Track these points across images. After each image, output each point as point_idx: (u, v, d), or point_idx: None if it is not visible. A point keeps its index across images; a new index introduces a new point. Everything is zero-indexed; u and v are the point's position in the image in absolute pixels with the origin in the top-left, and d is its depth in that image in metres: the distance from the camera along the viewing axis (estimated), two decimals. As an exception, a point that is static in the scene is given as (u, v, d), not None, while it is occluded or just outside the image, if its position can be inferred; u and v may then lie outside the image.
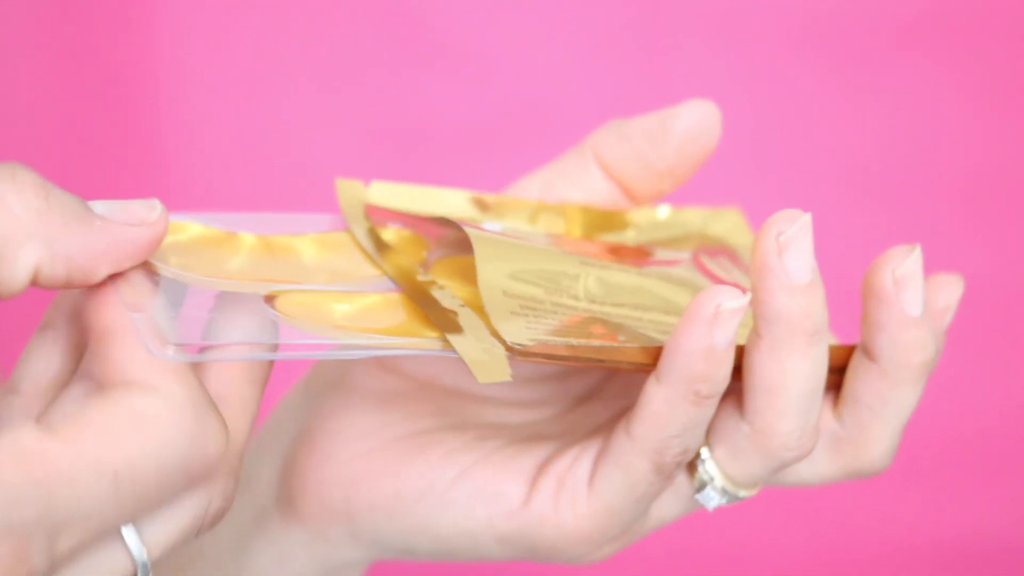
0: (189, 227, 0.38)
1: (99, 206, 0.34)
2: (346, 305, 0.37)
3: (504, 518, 0.40)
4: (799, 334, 0.36)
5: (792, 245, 0.36)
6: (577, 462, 0.39)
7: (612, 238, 0.44)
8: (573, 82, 0.84)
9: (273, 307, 0.36)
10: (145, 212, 0.34)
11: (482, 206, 0.43)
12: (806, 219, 0.36)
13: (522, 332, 0.36)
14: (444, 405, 0.43)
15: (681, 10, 0.83)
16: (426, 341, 0.36)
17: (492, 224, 0.43)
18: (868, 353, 0.39)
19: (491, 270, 0.38)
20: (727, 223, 0.46)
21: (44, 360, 0.36)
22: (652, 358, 0.37)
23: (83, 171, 0.84)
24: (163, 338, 0.33)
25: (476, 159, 0.84)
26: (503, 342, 0.36)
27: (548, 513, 0.39)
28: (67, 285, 0.34)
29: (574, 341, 0.37)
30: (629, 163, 0.42)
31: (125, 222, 0.34)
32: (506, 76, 0.84)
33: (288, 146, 0.85)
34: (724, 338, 0.35)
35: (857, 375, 0.39)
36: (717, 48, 0.83)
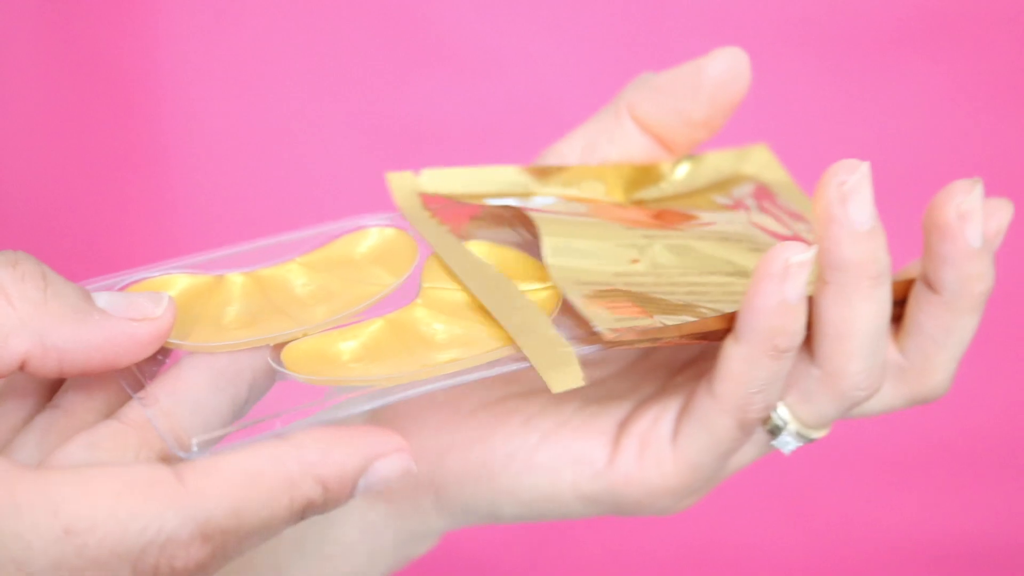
0: (175, 280, 0.38)
1: (103, 298, 0.34)
2: (351, 342, 0.37)
3: (589, 479, 0.41)
4: (865, 279, 0.37)
5: (854, 194, 0.37)
6: (659, 421, 0.40)
7: (650, 192, 0.44)
8: (574, 82, 0.84)
9: (280, 361, 0.35)
10: (150, 307, 0.34)
11: (536, 175, 0.43)
12: (865, 168, 0.37)
13: (606, 317, 0.37)
14: (514, 372, 0.43)
15: (681, 10, 0.82)
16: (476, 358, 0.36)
17: (543, 199, 0.43)
18: (932, 286, 0.40)
19: (559, 256, 0.39)
20: (758, 160, 0.46)
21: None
22: (729, 323, 0.38)
23: (85, 172, 0.84)
24: (184, 434, 0.33)
25: (477, 159, 0.84)
26: (588, 330, 0.37)
27: (633, 472, 0.40)
28: (60, 375, 0.33)
29: (665, 320, 0.37)
30: (664, 116, 0.43)
31: (127, 317, 0.33)
32: (508, 77, 0.84)
33: (288, 145, 0.85)
34: (796, 291, 0.36)
35: (920, 307, 0.40)
36: (717, 47, 0.83)
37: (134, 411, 0.34)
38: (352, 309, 0.38)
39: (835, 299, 0.38)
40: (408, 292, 0.39)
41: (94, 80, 0.83)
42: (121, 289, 0.37)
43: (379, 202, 0.83)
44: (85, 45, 0.82)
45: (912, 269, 0.42)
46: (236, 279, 0.38)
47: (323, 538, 0.45)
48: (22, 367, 0.32)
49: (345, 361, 0.36)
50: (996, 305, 0.82)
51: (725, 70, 0.42)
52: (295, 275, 0.39)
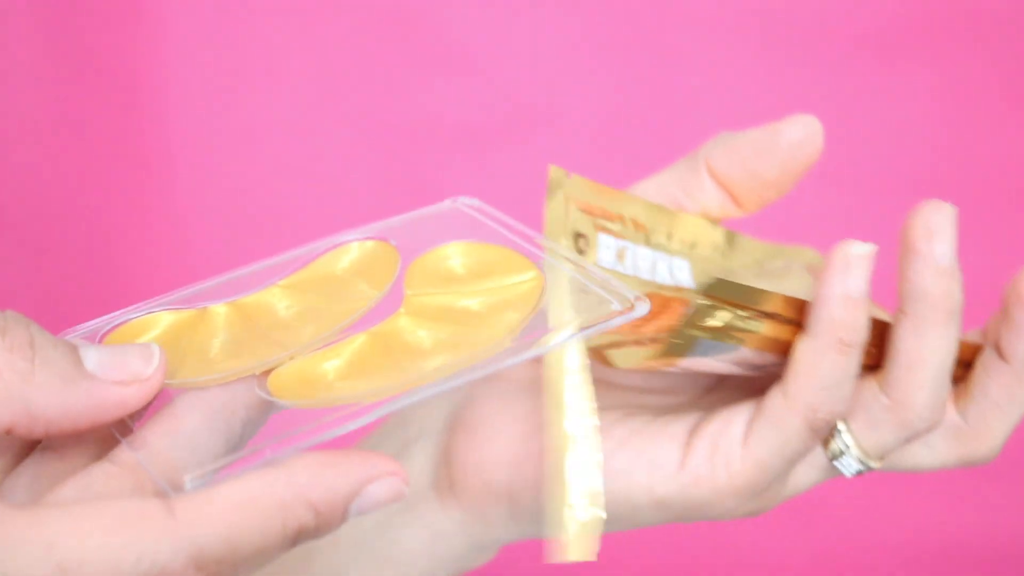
0: (158, 319, 0.38)
1: (92, 357, 0.34)
2: (335, 360, 0.37)
3: (663, 481, 0.43)
4: (940, 312, 0.40)
5: (939, 232, 0.40)
6: (729, 424, 0.42)
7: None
8: (574, 83, 0.83)
9: (266, 388, 0.35)
10: (140, 365, 0.34)
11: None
12: (951, 210, 0.40)
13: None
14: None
15: (682, 11, 0.82)
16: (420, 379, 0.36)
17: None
18: (1003, 354, 0.43)
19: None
20: (807, 255, 0.50)
21: None
22: (794, 310, 0.41)
23: (84, 171, 0.84)
24: (176, 474, 0.33)
25: (477, 159, 0.84)
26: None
27: (704, 472, 0.42)
28: (47, 438, 0.34)
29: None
30: (738, 173, 0.45)
31: (116, 380, 0.33)
32: (508, 77, 0.84)
33: (288, 145, 0.85)
34: (858, 284, 0.40)
35: (988, 373, 0.43)
36: (717, 48, 0.82)
37: (127, 453, 0.34)
38: (338, 326, 0.38)
39: (911, 329, 0.41)
40: (393, 302, 0.39)
41: (94, 81, 0.83)
42: (107, 334, 0.37)
43: (378, 201, 0.83)
44: (84, 45, 0.82)
45: (974, 335, 0.44)
46: (219, 310, 0.38)
47: (388, 542, 0.46)
48: (8, 432, 0.33)
49: (331, 381, 0.36)
50: (996, 306, 0.82)
51: (799, 136, 0.45)
52: (278, 299, 0.39)
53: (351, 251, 0.41)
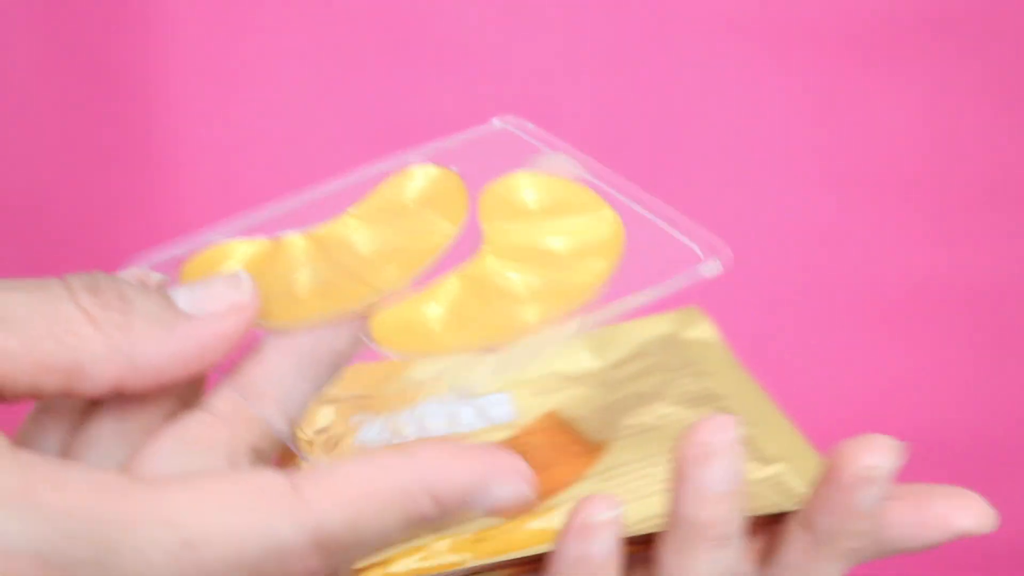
0: (235, 248, 0.37)
1: (183, 296, 0.33)
2: (435, 306, 0.35)
3: None
4: (708, 539, 0.37)
5: (715, 457, 0.36)
6: None
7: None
8: (573, 83, 0.84)
9: (368, 334, 0.34)
10: (232, 292, 0.33)
11: None
12: (731, 432, 0.36)
13: None
14: None
15: (682, 11, 0.83)
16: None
17: None
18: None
19: None
20: (684, 321, 0.48)
21: None
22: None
23: (86, 173, 0.84)
24: (294, 422, 0.33)
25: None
26: None
27: None
28: (158, 388, 0.33)
29: None
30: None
31: (212, 313, 0.33)
32: (508, 76, 0.84)
33: (285, 147, 0.85)
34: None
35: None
36: (716, 49, 0.83)
37: (220, 401, 0.33)
38: (422, 266, 0.36)
39: (675, 551, 0.37)
40: (470, 235, 0.38)
41: (93, 75, 0.82)
42: (179, 264, 0.36)
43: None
44: (82, 40, 0.82)
45: None
46: (296, 242, 0.37)
47: None
48: (115, 389, 0.32)
49: (436, 331, 0.35)
50: (995, 307, 0.83)
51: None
52: (353, 231, 0.38)
53: (415, 178, 0.39)
